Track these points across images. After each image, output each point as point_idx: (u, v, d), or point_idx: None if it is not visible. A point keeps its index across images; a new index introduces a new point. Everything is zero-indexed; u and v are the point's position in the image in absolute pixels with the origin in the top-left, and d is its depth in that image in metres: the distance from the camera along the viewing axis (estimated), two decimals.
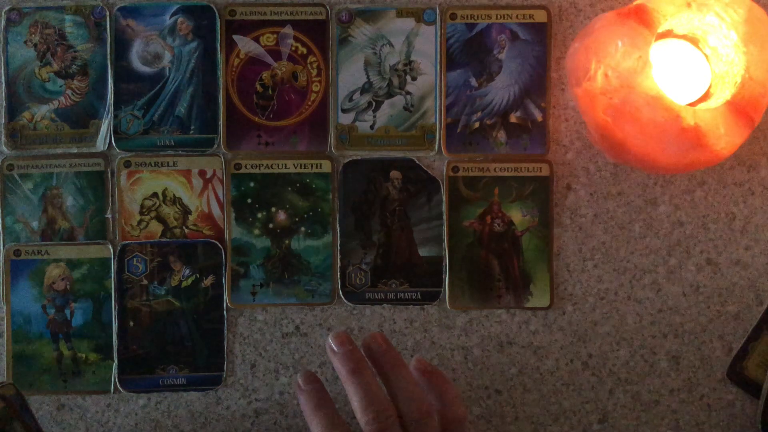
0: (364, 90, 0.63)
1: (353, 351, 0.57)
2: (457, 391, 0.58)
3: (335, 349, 0.57)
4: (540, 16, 0.63)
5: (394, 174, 0.63)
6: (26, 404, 0.53)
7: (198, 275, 0.63)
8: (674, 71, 0.59)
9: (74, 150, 0.63)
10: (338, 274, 0.63)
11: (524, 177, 0.63)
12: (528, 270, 0.63)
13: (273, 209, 0.63)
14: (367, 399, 0.55)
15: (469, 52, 0.63)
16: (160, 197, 0.63)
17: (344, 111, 0.63)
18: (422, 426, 0.55)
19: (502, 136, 0.63)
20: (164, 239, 0.63)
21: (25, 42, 0.62)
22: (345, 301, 0.63)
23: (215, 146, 0.63)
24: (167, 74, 0.63)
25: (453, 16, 0.63)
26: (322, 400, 0.54)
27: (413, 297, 0.63)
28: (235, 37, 0.63)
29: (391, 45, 0.63)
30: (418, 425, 0.55)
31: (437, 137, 0.63)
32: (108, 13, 0.62)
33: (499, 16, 0.63)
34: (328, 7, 0.63)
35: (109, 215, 0.63)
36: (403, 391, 0.55)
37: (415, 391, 0.55)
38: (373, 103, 0.63)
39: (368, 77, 0.63)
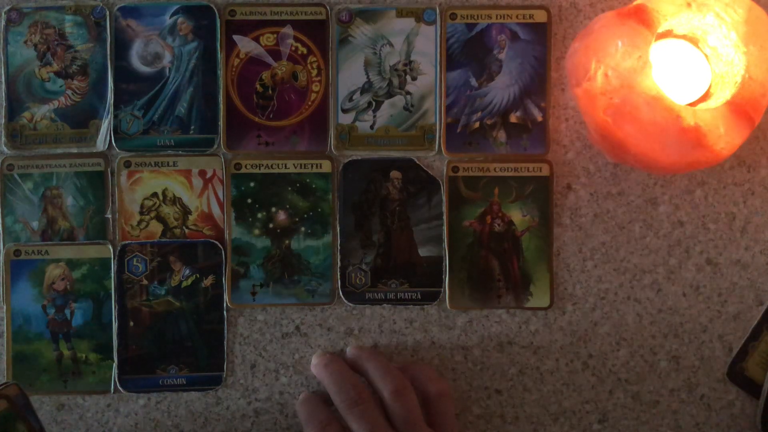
0: (364, 90, 0.63)
1: (329, 354, 0.62)
2: (432, 370, 0.60)
3: (313, 361, 0.61)
4: (540, 16, 0.63)
5: (394, 174, 0.63)
6: (30, 404, 0.53)
7: (198, 275, 0.62)
8: (674, 71, 0.59)
9: (74, 150, 0.63)
10: (338, 274, 0.63)
11: (524, 177, 0.63)
12: (528, 270, 0.63)
13: (273, 209, 0.63)
14: (339, 384, 0.58)
15: (469, 52, 0.63)
16: (160, 197, 0.63)
17: (344, 111, 0.63)
18: (399, 401, 0.57)
19: (502, 136, 0.63)
20: (164, 239, 0.63)
21: (25, 42, 0.62)
22: (345, 301, 0.63)
23: (215, 146, 0.63)
24: (167, 74, 0.63)
25: (453, 16, 0.63)
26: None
27: (413, 297, 0.63)
28: (235, 37, 0.63)
29: (391, 45, 0.63)
30: (395, 400, 0.57)
31: (437, 137, 0.63)
32: (108, 13, 0.62)
33: (499, 16, 0.63)
34: (328, 7, 0.63)
35: (109, 215, 0.63)
36: (377, 371, 0.59)
37: (387, 369, 0.59)
38: (373, 103, 0.63)
39: (368, 77, 0.63)
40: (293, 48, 0.63)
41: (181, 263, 0.62)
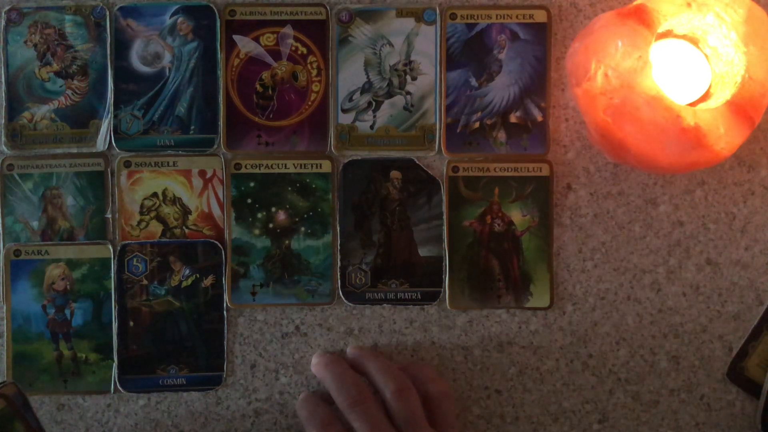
0: (364, 90, 0.63)
1: (330, 354, 0.62)
2: (432, 370, 0.61)
3: (313, 361, 0.61)
4: (540, 16, 0.63)
5: (394, 174, 0.63)
6: (28, 403, 0.53)
7: (198, 275, 0.63)
8: (674, 71, 0.59)
9: (74, 150, 0.63)
10: (338, 274, 0.63)
11: (524, 177, 0.63)
12: (528, 270, 0.63)
13: (273, 209, 0.63)
14: (340, 383, 0.58)
15: (469, 52, 0.63)
16: (160, 197, 0.63)
17: (344, 111, 0.63)
18: (402, 401, 0.57)
19: (502, 136, 0.63)
20: (164, 239, 0.63)
21: (25, 42, 0.62)
22: (345, 301, 0.63)
23: (215, 146, 0.63)
24: (167, 74, 0.63)
25: (453, 16, 0.63)
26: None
27: (413, 297, 0.63)
28: (235, 37, 0.63)
29: (391, 45, 0.63)
30: (397, 400, 0.57)
31: (437, 137, 0.63)
32: (108, 13, 0.62)
33: (499, 16, 0.63)
34: (328, 7, 0.63)
35: (109, 215, 0.63)
36: (378, 371, 0.59)
37: (389, 369, 0.59)
38: (373, 103, 0.63)
39: (368, 77, 0.63)
40: (293, 48, 0.63)
41: (181, 263, 0.62)
